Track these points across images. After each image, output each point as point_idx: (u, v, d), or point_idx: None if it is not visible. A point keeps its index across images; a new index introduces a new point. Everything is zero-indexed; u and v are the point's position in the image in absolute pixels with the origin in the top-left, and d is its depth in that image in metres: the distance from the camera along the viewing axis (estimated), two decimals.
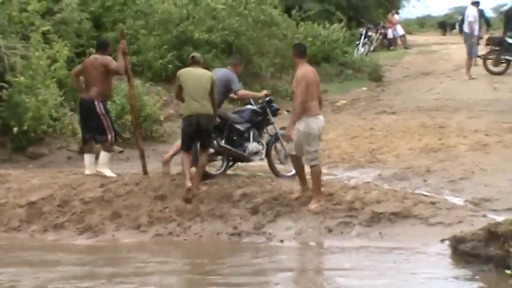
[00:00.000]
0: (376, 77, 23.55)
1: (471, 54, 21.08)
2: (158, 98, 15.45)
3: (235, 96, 11.82)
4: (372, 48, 30.24)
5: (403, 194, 9.88)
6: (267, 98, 11.67)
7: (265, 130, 11.72)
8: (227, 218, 9.61)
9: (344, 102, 18.57)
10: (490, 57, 21.34)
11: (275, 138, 11.55)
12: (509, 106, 16.74)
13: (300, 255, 9.01)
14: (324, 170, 10.18)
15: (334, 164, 12.48)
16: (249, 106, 11.84)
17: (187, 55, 17.76)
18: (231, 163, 11.50)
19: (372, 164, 12.35)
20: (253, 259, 8.55)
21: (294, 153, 9.92)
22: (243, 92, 11.68)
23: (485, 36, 22.40)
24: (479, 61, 21.45)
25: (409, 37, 37.38)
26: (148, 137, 14.39)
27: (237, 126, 11.28)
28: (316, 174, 9.66)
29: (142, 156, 11.13)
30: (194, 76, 10.43)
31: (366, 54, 27.90)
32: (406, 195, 9.82)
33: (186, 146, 10.43)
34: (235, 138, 11.27)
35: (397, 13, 35.92)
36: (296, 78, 9.61)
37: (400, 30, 34.24)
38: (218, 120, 10.82)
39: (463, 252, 7.63)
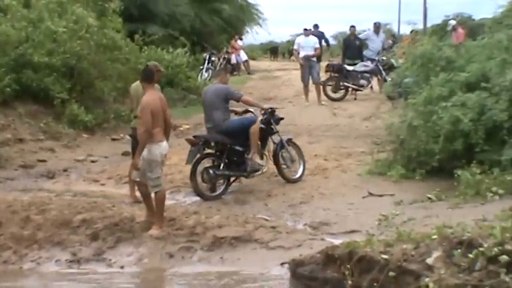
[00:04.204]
0: None
1: (304, 80, 21.34)
2: None
3: (238, 109, 12.40)
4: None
5: (244, 218, 9.91)
6: (270, 109, 12.32)
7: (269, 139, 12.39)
8: (66, 245, 9.35)
9: (187, 126, 18.53)
10: (330, 83, 21.88)
11: (281, 145, 12.28)
12: (348, 131, 17.22)
13: (139, 281, 8.87)
14: (166, 195, 10.10)
15: (177, 189, 12.43)
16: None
17: (26, 78, 17.45)
18: (231, 181, 12.03)
19: None
20: (91, 286, 8.38)
21: (137, 179, 9.82)
22: (246, 98, 12.37)
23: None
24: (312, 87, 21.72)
25: (252, 62, 37.94)
26: None
27: (237, 147, 11.74)
28: (159, 200, 9.60)
29: None
30: None
31: (210, 79, 28.04)
32: (247, 219, 9.85)
33: None
34: (235, 159, 11.77)
35: (241, 39, 36.42)
36: (141, 105, 9.50)
37: (244, 56, 34.72)
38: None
39: (302, 276, 7.67)
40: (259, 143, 12.05)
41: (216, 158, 11.81)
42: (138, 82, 11.58)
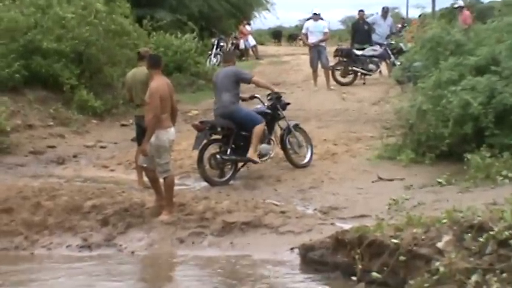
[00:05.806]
0: None
1: (313, 64, 21.22)
2: (4, 109, 14.97)
3: (245, 96, 12.44)
4: None
5: (254, 203, 9.91)
6: (276, 94, 12.37)
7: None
8: (77, 230, 9.38)
9: (196, 112, 18.51)
10: (339, 68, 21.80)
11: (288, 131, 12.30)
12: (357, 116, 17.18)
13: (150, 267, 8.88)
14: (176, 180, 10.12)
15: (186, 174, 12.45)
16: (258, 107, 12.42)
17: (35, 64, 17.45)
18: (239, 166, 12.05)
19: None
20: (102, 270, 8.40)
21: (144, 165, 9.83)
22: (257, 78, 12.45)
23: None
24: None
25: (260, 48, 37.81)
26: None
27: (243, 133, 11.75)
28: (168, 185, 9.60)
29: None
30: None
31: (218, 64, 27.95)
32: (257, 204, 9.86)
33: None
34: (242, 144, 11.75)
35: (249, 24, 36.26)
36: (150, 91, 9.47)
37: (252, 41, 34.61)
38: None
39: (312, 260, 7.71)
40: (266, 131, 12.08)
41: (222, 143, 11.80)
42: (133, 70, 11.72)
